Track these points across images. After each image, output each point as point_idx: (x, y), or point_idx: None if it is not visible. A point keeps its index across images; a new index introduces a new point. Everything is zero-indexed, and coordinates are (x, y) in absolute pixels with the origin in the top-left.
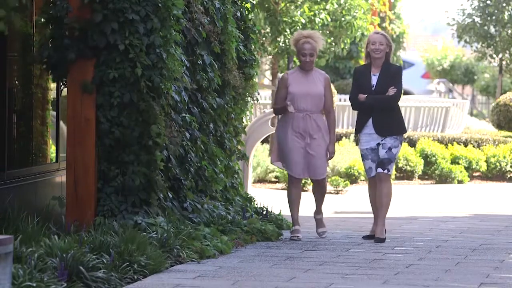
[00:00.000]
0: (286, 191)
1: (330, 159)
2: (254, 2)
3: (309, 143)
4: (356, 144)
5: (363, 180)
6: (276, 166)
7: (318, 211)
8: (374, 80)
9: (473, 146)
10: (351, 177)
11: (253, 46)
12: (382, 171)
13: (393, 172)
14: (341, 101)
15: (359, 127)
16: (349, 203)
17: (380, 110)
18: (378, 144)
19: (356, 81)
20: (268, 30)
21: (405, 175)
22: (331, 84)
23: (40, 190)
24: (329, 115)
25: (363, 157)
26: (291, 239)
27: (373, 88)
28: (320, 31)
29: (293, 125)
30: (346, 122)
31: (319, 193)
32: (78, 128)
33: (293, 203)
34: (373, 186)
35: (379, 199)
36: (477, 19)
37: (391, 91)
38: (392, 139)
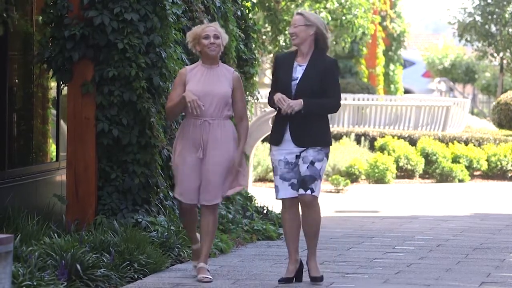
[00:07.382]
0: None
1: (235, 170)
2: (255, 0)
3: (205, 159)
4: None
5: (364, 179)
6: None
7: (204, 258)
8: (299, 71)
9: (474, 145)
10: (351, 176)
11: (253, 45)
12: (304, 192)
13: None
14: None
15: (277, 138)
16: (349, 202)
17: (303, 116)
18: (298, 158)
19: (274, 73)
20: (268, 29)
21: (406, 174)
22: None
23: (41, 189)
24: (241, 123)
25: (273, 172)
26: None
27: (296, 82)
28: None
29: (188, 135)
30: (347, 121)
31: (207, 226)
32: (78, 127)
33: (190, 231)
34: (287, 210)
35: (304, 229)
36: (478, 18)
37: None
38: (315, 151)
